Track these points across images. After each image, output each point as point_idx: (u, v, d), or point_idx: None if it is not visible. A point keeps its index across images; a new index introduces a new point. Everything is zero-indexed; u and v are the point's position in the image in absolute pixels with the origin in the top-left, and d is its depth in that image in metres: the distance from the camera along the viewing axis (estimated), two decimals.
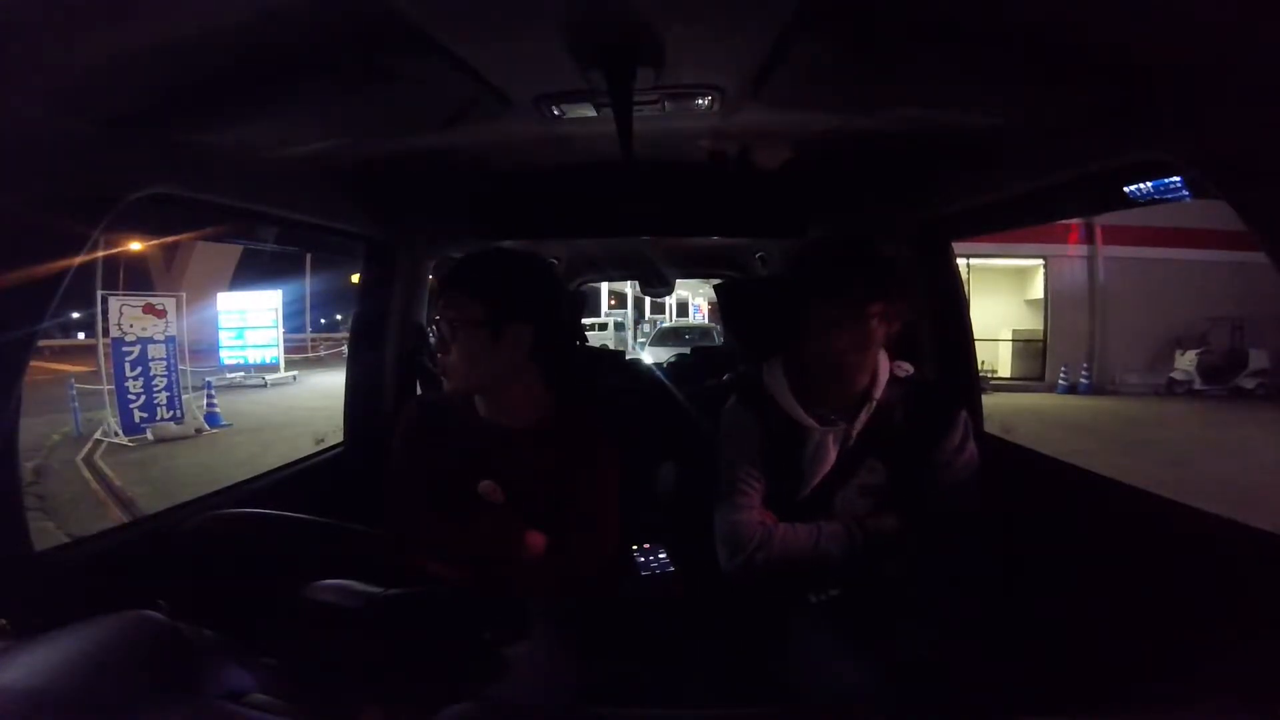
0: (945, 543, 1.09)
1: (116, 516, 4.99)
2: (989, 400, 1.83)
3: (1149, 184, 1.05)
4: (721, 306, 1.85)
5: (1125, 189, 1.08)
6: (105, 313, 8.22)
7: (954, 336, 1.71)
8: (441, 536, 1.03)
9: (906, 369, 1.21)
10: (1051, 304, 12.11)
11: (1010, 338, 12.56)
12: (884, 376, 1.17)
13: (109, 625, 0.55)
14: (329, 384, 10.60)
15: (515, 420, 1.13)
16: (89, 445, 7.57)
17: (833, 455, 1.16)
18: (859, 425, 1.16)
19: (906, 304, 1.15)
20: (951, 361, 1.68)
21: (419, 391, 1.88)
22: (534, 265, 1.18)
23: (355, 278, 2.00)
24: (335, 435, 1.91)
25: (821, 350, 1.12)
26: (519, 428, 1.12)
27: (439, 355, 1.10)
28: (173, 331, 8.53)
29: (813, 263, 1.20)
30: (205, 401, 9.07)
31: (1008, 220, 1.60)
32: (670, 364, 3.03)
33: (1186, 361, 11.19)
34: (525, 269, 1.14)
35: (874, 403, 1.15)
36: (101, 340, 8.82)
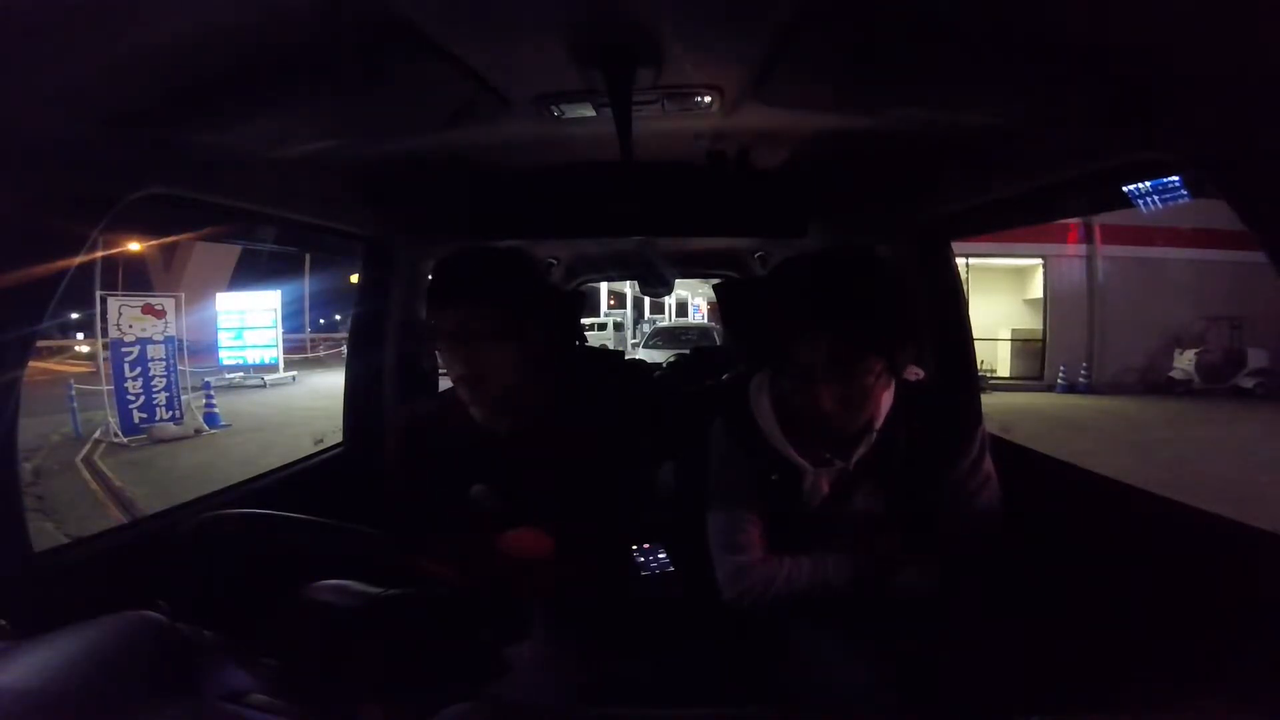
0: (957, 565, 1.02)
1: (116, 516, 4.99)
2: (988, 400, 1.84)
3: (1148, 184, 1.05)
4: (721, 306, 1.85)
5: (1125, 189, 1.09)
6: (104, 313, 8.21)
7: (953, 336, 1.71)
8: (440, 545, 1.03)
9: (917, 373, 1.07)
10: (1050, 303, 12.12)
11: (1009, 337, 12.57)
12: (887, 406, 1.02)
13: (109, 625, 0.55)
14: (328, 384, 10.60)
15: (513, 424, 1.12)
16: (88, 446, 7.57)
17: (826, 487, 1.07)
18: (856, 457, 1.04)
19: (916, 342, 0.98)
20: (951, 361, 1.68)
21: (418, 391, 1.88)
22: (532, 262, 1.17)
23: (355, 278, 2.01)
24: (334, 435, 1.92)
25: (807, 403, 0.95)
26: (517, 431, 1.11)
27: (457, 369, 1.04)
28: (171, 332, 8.52)
29: (793, 293, 0.98)
30: (204, 402, 9.06)
31: (1008, 220, 1.60)
32: (670, 364, 3.03)
33: (1185, 361, 11.20)
34: (525, 266, 1.12)
35: (875, 434, 1.02)
36: (100, 340, 8.81)
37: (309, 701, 0.61)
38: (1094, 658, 0.96)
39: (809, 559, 1.07)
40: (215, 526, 0.79)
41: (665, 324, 14.76)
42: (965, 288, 1.83)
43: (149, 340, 8.30)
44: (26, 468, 5.93)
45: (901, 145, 1.30)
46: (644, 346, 10.55)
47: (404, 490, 1.15)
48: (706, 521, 1.13)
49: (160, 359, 8.36)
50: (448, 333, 1.03)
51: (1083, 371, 11.60)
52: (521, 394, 1.09)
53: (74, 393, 8.47)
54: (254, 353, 12.47)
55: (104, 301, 8.23)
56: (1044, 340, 12.26)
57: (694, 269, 3.87)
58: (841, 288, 0.93)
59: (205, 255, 18.29)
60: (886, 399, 1.02)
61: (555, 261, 2.93)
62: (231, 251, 18.84)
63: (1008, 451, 1.51)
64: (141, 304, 8.40)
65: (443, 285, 1.06)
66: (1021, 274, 12.91)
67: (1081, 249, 11.87)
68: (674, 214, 1.54)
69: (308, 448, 1.97)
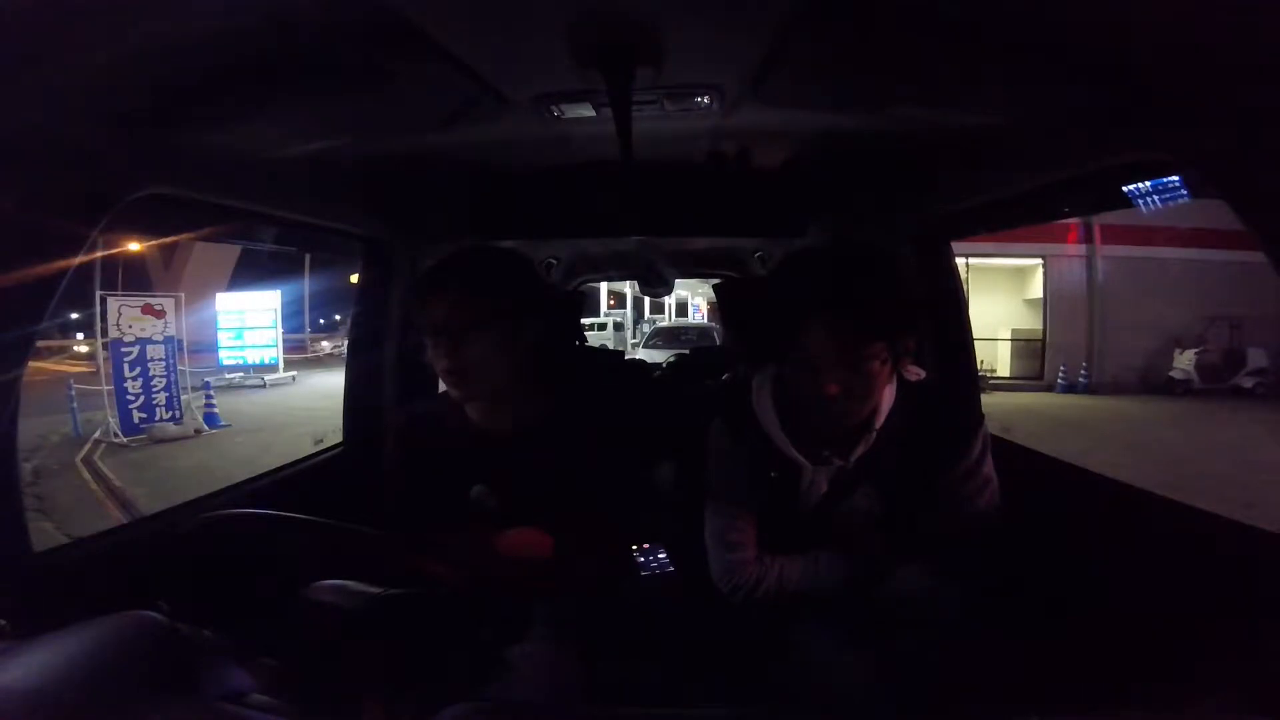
0: (953, 566, 1.02)
1: (116, 517, 4.99)
2: (988, 400, 1.84)
3: (1148, 183, 1.05)
4: (721, 306, 1.84)
5: (1124, 188, 1.09)
6: (104, 313, 8.21)
7: (953, 336, 1.71)
8: (440, 545, 1.03)
9: (917, 373, 1.07)
10: (1050, 303, 12.12)
11: (1009, 337, 12.57)
12: (888, 404, 1.03)
13: (109, 625, 0.55)
14: (328, 385, 10.59)
15: (512, 425, 1.11)
16: (88, 446, 7.57)
17: (825, 485, 1.07)
18: (856, 455, 1.04)
19: (916, 331, 1.00)
20: (951, 361, 1.68)
21: (418, 392, 1.88)
22: (519, 258, 1.17)
23: (355, 278, 2.01)
24: (334, 436, 1.91)
25: (810, 393, 0.96)
26: (516, 432, 1.11)
27: (441, 363, 1.04)
28: (171, 332, 8.52)
29: (795, 285, 1.01)
30: (204, 402, 9.05)
31: (1007, 220, 1.60)
32: (670, 364, 3.03)
33: (1185, 361, 11.20)
34: (514, 263, 1.12)
35: (874, 433, 1.03)
36: (100, 340, 8.81)
37: (309, 701, 0.61)
38: (1094, 658, 0.96)
39: (801, 557, 1.07)
40: (215, 526, 0.79)
41: (665, 324, 14.75)
42: (965, 288, 1.83)
43: (149, 340, 8.29)
44: (26, 468, 5.93)
45: (901, 145, 1.30)
46: (644, 346, 10.54)
47: (404, 490, 1.15)
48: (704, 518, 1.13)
49: (160, 359, 8.36)
50: (430, 327, 1.04)
51: (1083, 371, 11.60)
52: (513, 391, 1.09)
53: (74, 393, 8.46)
54: (254, 353, 12.46)
55: (104, 301, 8.23)
56: (1044, 340, 12.26)
57: (694, 269, 3.87)
58: (843, 273, 0.96)
59: (205, 255, 18.25)
60: (888, 395, 1.03)
61: (555, 261, 2.93)
62: (231, 251, 18.79)
63: (1008, 451, 1.51)
64: (141, 304, 8.40)
65: (425, 281, 1.08)
66: (1021, 274, 12.91)
67: (1081, 249, 11.87)
68: (674, 214, 1.54)
69: (307, 448, 1.97)
